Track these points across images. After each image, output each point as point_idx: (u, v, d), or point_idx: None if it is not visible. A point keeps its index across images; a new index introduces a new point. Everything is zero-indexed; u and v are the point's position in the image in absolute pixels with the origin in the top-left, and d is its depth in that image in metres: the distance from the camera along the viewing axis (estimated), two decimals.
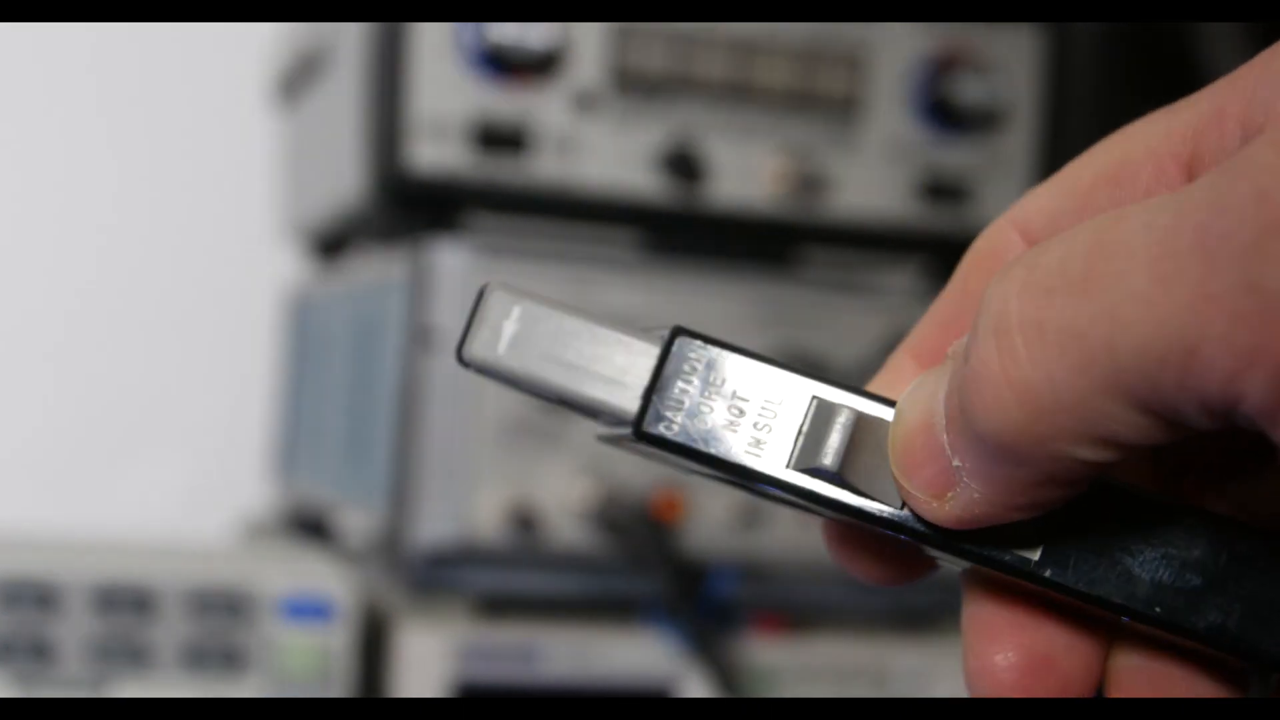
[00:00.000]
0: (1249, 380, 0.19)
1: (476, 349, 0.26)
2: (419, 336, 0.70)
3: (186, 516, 1.03)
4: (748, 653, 0.74)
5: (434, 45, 0.71)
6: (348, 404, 0.82)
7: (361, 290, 0.82)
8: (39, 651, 0.66)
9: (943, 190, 0.78)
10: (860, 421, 0.25)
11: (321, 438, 0.87)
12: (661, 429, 0.25)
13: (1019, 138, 0.79)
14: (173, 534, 0.99)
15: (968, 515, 0.23)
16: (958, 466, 0.23)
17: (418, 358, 0.70)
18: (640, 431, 0.25)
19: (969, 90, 0.77)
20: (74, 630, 0.67)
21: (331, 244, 0.93)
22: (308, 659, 0.69)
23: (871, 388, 0.27)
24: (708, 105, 0.74)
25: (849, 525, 0.27)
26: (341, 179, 0.79)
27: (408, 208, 0.73)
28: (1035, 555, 0.24)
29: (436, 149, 0.71)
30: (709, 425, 0.25)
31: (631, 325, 0.26)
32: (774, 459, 0.25)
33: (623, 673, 0.72)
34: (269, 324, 1.04)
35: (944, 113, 0.77)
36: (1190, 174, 0.25)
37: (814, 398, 0.25)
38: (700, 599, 0.72)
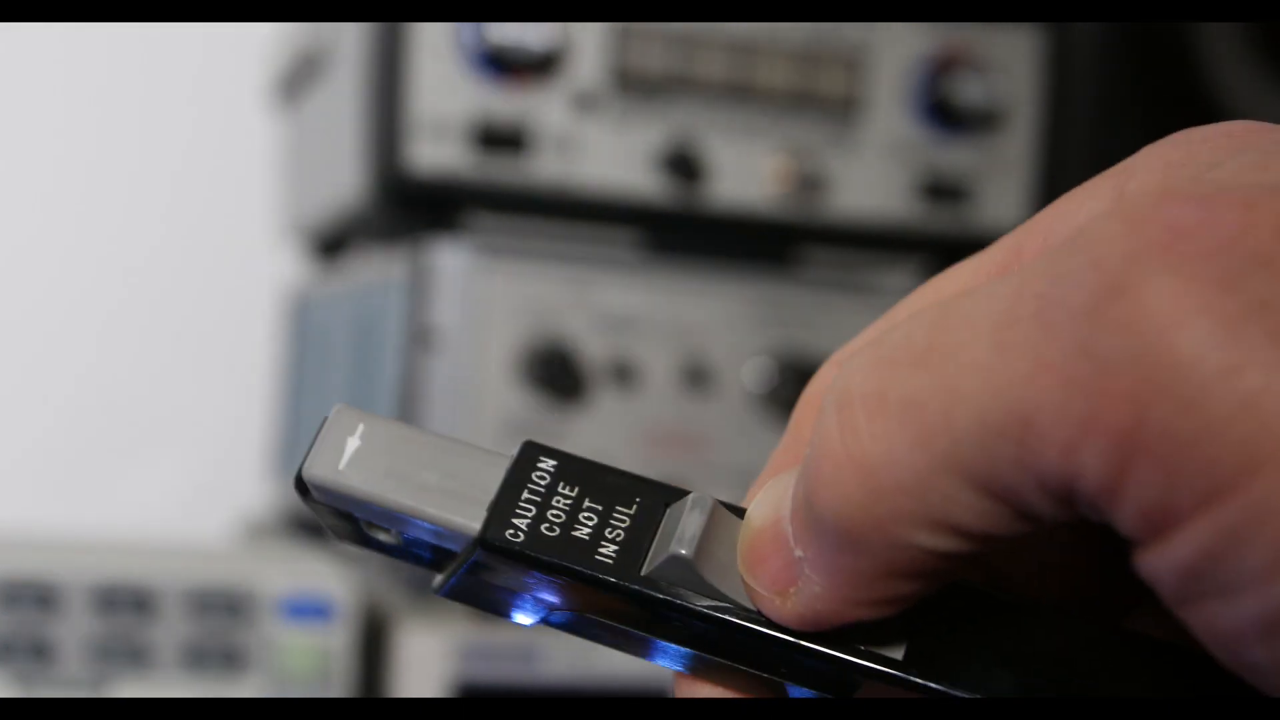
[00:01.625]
0: (1084, 455, 0.19)
1: (315, 467, 0.24)
2: (419, 336, 0.70)
3: (186, 516, 1.03)
4: None
5: (434, 45, 0.71)
6: (348, 404, 0.82)
7: (361, 290, 0.82)
8: (39, 651, 0.66)
9: (943, 190, 0.78)
10: (716, 516, 0.24)
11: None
12: (508, 536, 0.24)
13: (1019, 138, 0.79)
14: (173, 534, 0.99)
15: (809, 613, 0.22)
16: (799, 558, 0.22)
17: (418, 358, 0.70)
18: (484, 540, 0.24)
19: (969, 90, 0.77)
20: (74, 630, 0.67)
21: (331, 244, 0.93)
22: (308, 659, 0.69)
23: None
24: (708, 105, 0.74)
25: (703, 674, 0.25)
26: (341, 179, 0.79)
27: (408, 208, 0.73)
28: (899, 654, 0.23)
29: (436, 149, 0.71)
30: (557, 533, 0.24)
31: (483, 446, 0.25)
32: (627, 564, 0.24)
33: (623, 673, 0.72)
34: (269, 324, 1.05)
35: (944, 113, 0.77)
36: None
37: (667, 505, 0.24)
38: None
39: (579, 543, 0.24)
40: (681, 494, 0.24)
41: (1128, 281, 0.18)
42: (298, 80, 0.93)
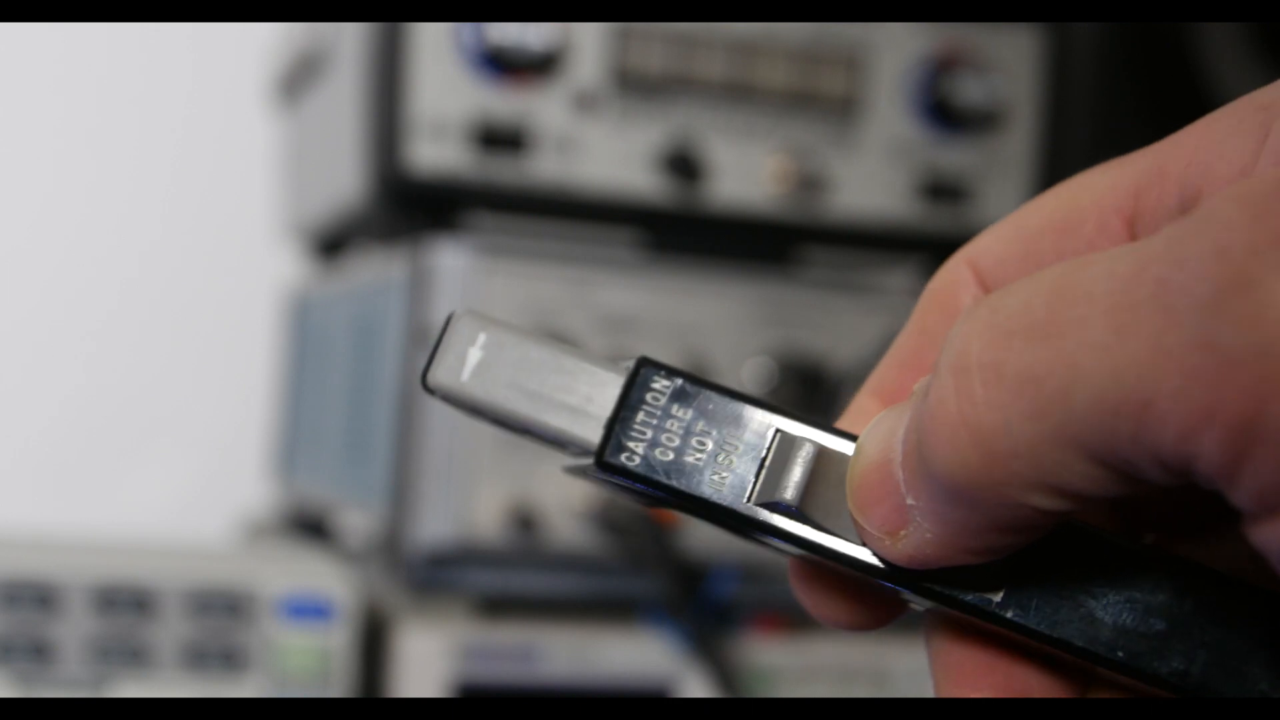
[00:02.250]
0: (1203, 439, 0.19)
1: (440, 375, 0.25)
2: (419, 336, 0.70)
3: (186, 516, 1.03)
4: (748, 653, 0.74)
5: (434, 45, 0.71)
6: (347, 404, 0.82)
7: (361, 290, 0.82)
8: (39, 651, 0.66)
9: (943, 190, 0.78)
10: (822, 456, 0.25)
11: (321, 438, 0.87)
12: (623, 459, 0.25)
13: (1019, 138, 0.79)
14: (173, 534, 0.99)
15: (919, 555, 0.23)
16: (911, 505, 0.23)
17: (418, 358, 0.70)
18: (601, 461, 0.25)
19: (969, 90, 0.77)
20: (74, 630, 0.67)
21: (331, 244, 0.93)
22: (308, 659, 0.69)
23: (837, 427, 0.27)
24: (708, 105, 0.74)
25: (814, 565, 0.26)
26: (341, 179, 0.79)
27: (408, 208, 0.74)
28: (997, 596, 0.24)
29: (436, 149, 0.71)
30: (671, 457, 0.25)
31: (599, 355, 0.26)
32: (735, 493, 0.25)
33: (623, 673, 0.72)
34: (269, 324, 1.04)
35: (944, 113, 0.77)
36: (1132, 229, 0.25)
37: (777, 431, 0.25)
38: (700, 599, 0.72)
39: (691, 468, 0.25)
40: (791, 415, 0.25)
41: (1251, 276, 0.19)
42: (298, 80, 0.93)
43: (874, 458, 0.24)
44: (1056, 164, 0.80)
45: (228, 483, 1.04)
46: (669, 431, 0.25)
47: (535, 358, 0.25)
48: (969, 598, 0.24)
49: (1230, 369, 0.18)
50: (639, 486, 0.25)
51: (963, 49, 0.78)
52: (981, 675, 0.26)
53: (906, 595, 0.25)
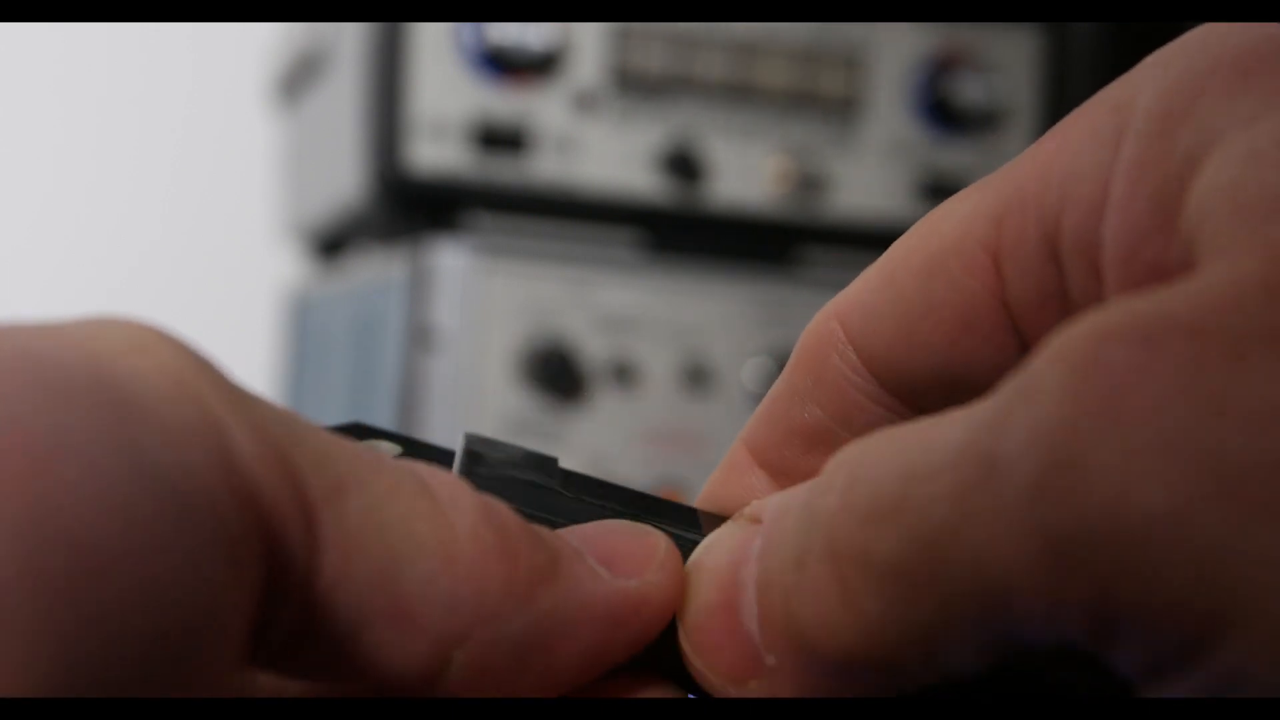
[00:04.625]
0: (1066, 624, 0.18)
1: None
2: (419, 336, 0.70)
3: None
4: None
5: (434, 45, 0.71)
6: (348, 404, 0.82)
7: (361, 290, 0.82)
8: None
9: (943, 190, 0.78)
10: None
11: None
12: None
13: (1019, 138, 0.79)
14: None
15: (769, 697, 0.22)
16: (770, 664, 0.22)
17: (418, 358, 0.70)
18: None
19: (969, 90, 0.77)
20: None
21: (331, 244, 0.93)
22: None
23: (712, 483, 0.26)
24: (708, 105, 0.74)
25: None
26: (341, 179, 0.79)
27: (408, 208, 0.74)
28: None
29: (436, 149, 0.71)
30: None
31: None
32: None
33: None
34: (269, 324, 1.04)
35: (944, 113, 0.77)
36: (997, 263, 0.24)
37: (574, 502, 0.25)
38: None
39: None
40: (585, 487, 0.25)
41: (1071, 453, 0.17)
42: (298, 80, 0.93)
43: (715, 600, 0.22)
44: None
45: None
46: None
47: None
48: None
49: (1067, 556, 0.18)
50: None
51: (963, 49, 0.78)
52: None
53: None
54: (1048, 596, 0.18)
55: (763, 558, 0.22)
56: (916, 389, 0.26)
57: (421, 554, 0.20)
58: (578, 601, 0.22)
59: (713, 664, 0.22)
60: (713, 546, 0.23)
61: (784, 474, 0.26)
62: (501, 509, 0.22)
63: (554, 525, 0.23)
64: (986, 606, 0.19)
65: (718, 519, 0.24)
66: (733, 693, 0.22)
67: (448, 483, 0.22)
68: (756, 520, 0.23)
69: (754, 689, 0.22)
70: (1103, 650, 0.18)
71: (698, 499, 0.27)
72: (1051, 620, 0.18)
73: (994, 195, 0.24)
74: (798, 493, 0.22)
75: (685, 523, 0.25)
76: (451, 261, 0.71)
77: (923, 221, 0.25)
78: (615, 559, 0.23)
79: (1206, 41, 0.21)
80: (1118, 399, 0.17)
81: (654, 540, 0.24)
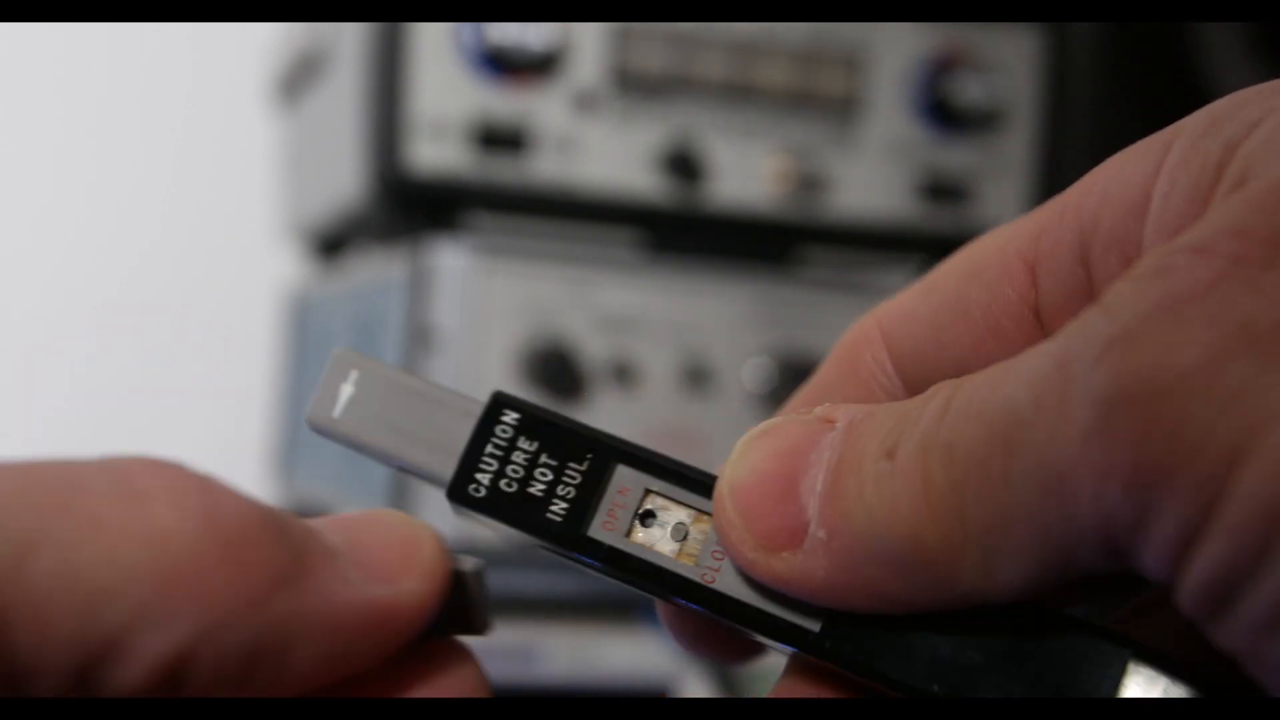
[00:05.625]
0: (1109, 499, 0.19)
1: (315, 411, 0.27)
2: (419, 336, 0.70)
3: None
4: None
5: (434, 45, 0.71)
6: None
7: (361, 290, 0.82)
8: None
9: (943, 190, 0.78)
10: (653, 493, 0.25)
11: (321, 438, 0.87)
12: (470, 492, 0.25)
13: (1019, 138, 0.79)
14: None
15: (795, 581, 0.22)
16: (819, 538, 0.22)
17: (418, 358, 0.70)
18: (450, 494, 0.25)
19: (969, 90, 0.77)
20: None
21: (331, 244, 0.93)
22: None
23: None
24: (708, 105, 0.74)
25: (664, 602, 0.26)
26: (341, 179, 0.79)
27: (408, 208, 0.74)
28: (816, 627, 0.23)
29: (436, 149, 0.71)
30: (515, 489, 0.25)
31: (464, 393, 0.26)
32: (571, 524, 0.25)
33: (623, 673, 0.72)
34: (269, 324, 1.05)
35: (944, 113, 0.77)
36: (1033, 271, 0.25)
37: (618, 461, 0.26)
38: None
39: (533, 500, 0.25)
40: (639, 448, 0.26)
41: (1134, 331, 0.19)
42: (298, 80, 0.93)
43: (773, 469, 0.23)
44: (1056, 164, 0.80)
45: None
46: (514, 464, 0.25)
47: (402, 393, 0.26)
48: (787, 625, 0.23)
49: (1120, 421, 0.19)
50: (486, 519, 0.25)
51: (963, 49, 0.78)
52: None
53: (706, 613, 0.24)
54: (1097, 466, 0.19)
55: (848, 442, 0.22)
56: None
57: (130, 583, 0.20)
58: (318, 609, 0.21)
59: (752, 524, 0.23)
60: (773, 427, 0.24)
61: None
62: (240, 506, 0.21)
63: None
64: (1047, 493, 0.20)
65: None
66: (758, 560, 0.23)
67: (171, 488, 0.21)
68: (828, 419, 0.23)
69: (783, 560, 0.22)
70: (1138, 524, 0.19)
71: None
72: (1098, 499, 0.19)
73: (1038, 215, 0.25)
74: (884, 403, 0.23)
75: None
76: (451, 261, 0.71)
77: (968, 245, 0.27)
78: (373, 561, 0.23)
79: (1247, 88, 0.23)
80: (1173, 287, 0.19)
81: (418, 543, 0.24)
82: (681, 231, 0.77)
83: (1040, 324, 0.25)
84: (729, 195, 0.75)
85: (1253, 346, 0.18)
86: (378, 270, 0.79)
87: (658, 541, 0.25)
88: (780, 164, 0.76)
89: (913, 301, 0.27)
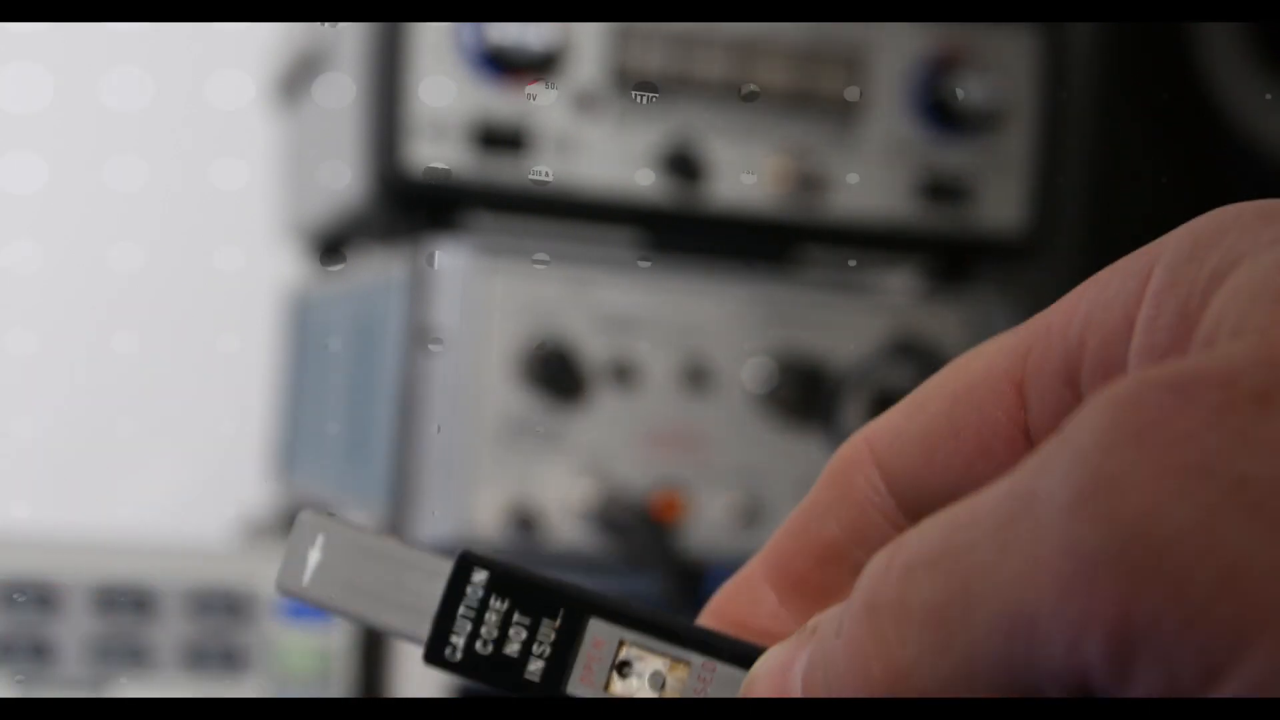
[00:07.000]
0: (1087, 651, 0.19)
1: (284, 579, 0.27)
2: (419, 336, 0.70)
3: (186, 517, 1.03)
4: None
5: (434, 45, 0.71)
6: (348, 403, 0.82)
7: (361, 290, 0.82)
8: (39, 651, 0.66)
9: (943, 190, 0.78)
10: (624, 645, 0.26)
11: (321, 437, 0.87)
12: (446, 655, 0.25)
13: (1019, 138, 0.79)
14: (173, 534, 0.99)
15: None
16: None
17: (418, 357, 0.70)
18: (427, 658, 0.26)
19: (969, 90, 0.77)
20: (74, 630, 0.67)
21: (331, 244, 0.93)
22: (308, 659, 0.69)
23: (722, 593, 0.28)
24: (708, 105, 0.74)
25: None
26: (341, 179, 0.79)
27: (408, 208, 0.74)
28: None
29: (436, 149, 0.71)
30: (490, 650, 0.26)
31: (430, 550, 0.26)
32: (550, 682, 0.25)
33: None
34: (269, 324, 1.05)
35: (944, 113, 0.77)
36: (1021, 392, 0.25)
37: (591, 615, 0.26)
38: (700, 599, 0.72)
39: (509, 660, 0.26)
40: (602, 608, 0.26)
41: (1108, 474, 0.18)
42: (298, 80, 0.93)
43: (768, 694, 0.24)
44: (1056, 164, 0.80)
45: (228, 482, 1.04)
46: (487, 624, 0.26)
47: (370, 556, 0.26)
48: None
49: (1096, 572, 0.18)
50: (466, 679, 0.26)
51: (963, 49, 0.78)
52: None
53: None
54: (1073, 618, 0.18)
55: (812, 646, 0.23)
56: (932, 512, 0.27)
57: None
58: None
59: None
60: (768, 656, 0.24)
61: (795, 588, 0.27)
62: None
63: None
64: (1013, 639, 0.19)
65: (732, 641, 0.26)
66: None
67: None
68: (813, 633, 0.23)
69: None
70: (1121, 685, 0.19)
71: (704, 610, 0.28)
72: (1074, 649, 0.19)
73: (1023, 333, 0.25)
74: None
75: (707, 647, 0.26)
76: (451, 261, 0.71)
77: (954, 361, 0.26)
78: None
79: (1228, 207, 0.22)
80: (1152, 431, 0.18)
81: None
82: (681, 231, 0.77)
83: (1031, 445, 0.25)
84: (729, 195, 0.75)
85: (1250, 512, 0.18)
86: (378, 270, 0.79)
87: (636, 692, 0.25)
88: (780, 164, 0.76)
89: (903, 421, 0.27)
